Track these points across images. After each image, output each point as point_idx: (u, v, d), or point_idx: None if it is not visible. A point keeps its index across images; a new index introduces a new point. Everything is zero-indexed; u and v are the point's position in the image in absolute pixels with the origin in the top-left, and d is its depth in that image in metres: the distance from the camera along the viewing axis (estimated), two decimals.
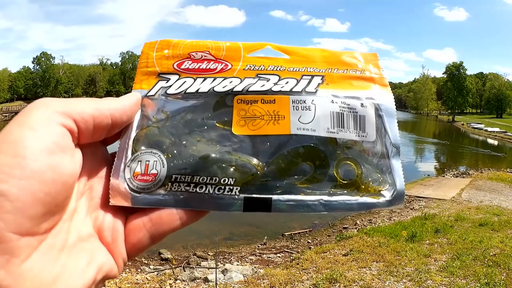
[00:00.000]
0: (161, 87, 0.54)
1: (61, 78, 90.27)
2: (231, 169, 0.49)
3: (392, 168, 0.53)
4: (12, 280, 0.34)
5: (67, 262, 0.40)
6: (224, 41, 0.58)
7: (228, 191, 0.49)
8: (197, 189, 0.48)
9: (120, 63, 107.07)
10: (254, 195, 0.49)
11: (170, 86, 0.54)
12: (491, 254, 6.43)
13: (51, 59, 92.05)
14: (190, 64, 0.56)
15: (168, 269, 6.89)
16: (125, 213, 0.48)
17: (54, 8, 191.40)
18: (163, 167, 0.48)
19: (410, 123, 72.40)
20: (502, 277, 5.49)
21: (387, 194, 0.51)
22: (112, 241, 0.45)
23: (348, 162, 0.51)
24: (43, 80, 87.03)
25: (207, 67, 0.56)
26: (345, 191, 0.51)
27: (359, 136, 0.53)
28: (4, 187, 0.35)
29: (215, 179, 0.48)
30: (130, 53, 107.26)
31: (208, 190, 0.48)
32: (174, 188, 0.48)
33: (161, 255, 7.74)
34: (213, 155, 0.49)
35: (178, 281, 6.18)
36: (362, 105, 0.54)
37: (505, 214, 9.79)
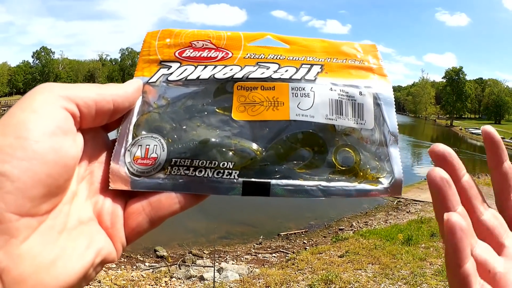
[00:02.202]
0: (163, 74, 0.54)
1: (60, 73, 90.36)
2: (230, 153, 0.50)
3: (390, 156, 0.53)
4: (11, 261, 0.35)
5: (66, 245, 0.40)
6: (225, 30, 0.59)
7: (227, 175, 0.49)
8: (197, 173, 0.49)
9: (119, 60, 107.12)
10: (253, 179, 0.49)
11: (171, 73, 0.54)
12: None
13: (51, 54, 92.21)
14: (191, 52, 0.57)
15: (164, 266, 6.90)
16: (125, 198, 0.48)
17: (57, 3, 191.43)
18: (163, 151, 0.49)
19: (408, 127, 72.41)
20: None
21: (385, 182, 0.52)
22: (111, 225, 0.46)
23: (346, 149, 0.52)
24: (43, 75, 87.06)
25: (208, 55, 0.56)
26: (343, 177, 0.51)
27: (357, 123, 0.53)
28: (5, 168, 0.35)
29: (214, 163, 0.49)
30: (129, 49, 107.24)
31: (207, 174, 0.49)
32: (174, 172, 0.49)
33: (157, 252, 7.75)
34: (213, 139, 0.50)
35: (173, 279, 6.17)
36: (360, 93, 0.55)
37: None
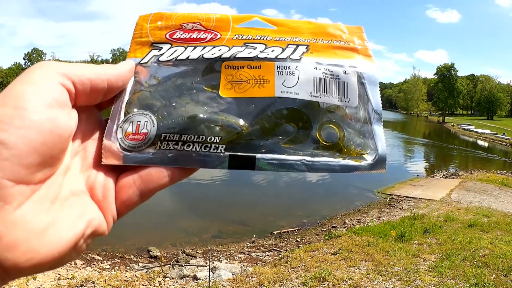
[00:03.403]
0: (154, 55, 0.57)
1: None
2: (217, 128, 0.51)
3: (374, 133, 0.55)
4: (4, 227, 0.36)
5: (58, 213, 0.41)
6: (215, 13, 0.61)
7: (214, 149, 0.51)
8: (185, 147, 0.51)
9: (111, 60, 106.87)
10: (239, 153, 0.51)
11: (162, 54, 0.57)
12: (481, 254, 6.45)
13: (42, 56, 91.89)
14: (181, 34, 0.59)
15: (157, 266, 6.88)
16: (117, 172, 0.50)
17: (46, 4, 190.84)
18: (153, 126, 0.51)
19: (400, 123, 72.69)
20: (492, 277, 5.51)
21: (369, 158, 0.54)
22: (103, 198, 0.47)
23: (330, 125, 0.54)
24: None
25: (198, 37, 0.59)
26: (327, 153, 0.53)
27: (341, 101, 0.55)
28: (3, 136, 0.36)
29: (202, 138, 0.51)
30: (121, 49, 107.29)
31: (195, 148, 0.51)
32: (163, 147, 0.50)
33: (150, 252, 7.73)
34: (201, 115, 0.52)
35: (167, 279, 6.16)
36: (344, 72, 0.57)
37: (494, 216, 9.86)
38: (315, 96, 0.54)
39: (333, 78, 0.56)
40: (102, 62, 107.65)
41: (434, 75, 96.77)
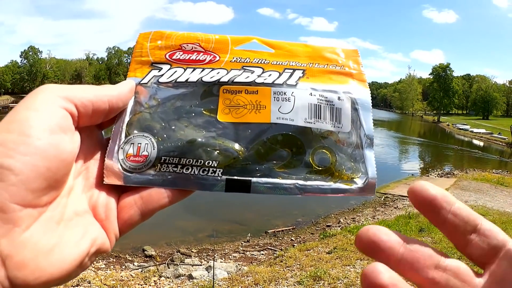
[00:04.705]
0: (154, 75, 0.58)
1: (47, 72, 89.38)
2: (215, 153, 0.53)
3: (365, 157, 0.56)
4: (13, 248, 0.38)
5: (64, 234, 0.43)
6: (214, 34, 0.62)
7: (211, 173, 0.53)
8: (184, 170, 0.52)
9: (106, 58, 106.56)
10: (235, 177, 0.53)
11: (162, 75, 0.58)
12: None
13: (38, 54, 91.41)
14: (181, 55, 0.60)
15: (152, 266, 6.87)
16: (118, 192, 0.51)
17: (45, 2, 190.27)
18: (154, 149, 0.52)
19: (395, 123, 72.60)
20: None
21: (359, 182, 0.55)
22: (106, 218, 0.49)
23: (323, 150, 0.55)
24: (30, 75, 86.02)
25: (197, 58, 0.60)
26: (319, 177, 0.54)
27: (334, 127, 0.56)
28: (10, 162, 0.38)
29: (200, 161, 0.52)
30: (116, 48, 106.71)
31: (194, 171, 0.52)
32: (163, 169, 0.52)
33: (145, 252, 7.72)
34: (199, 139, 0.53)
35: (162, 278, 6.15)
36: (339, 98, 0.58)
37: (490, 214, 9.89)
38: (309, 122, 0.56)
39: (327, 104, 0.57)
40: (98, 60, 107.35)
41: (429, 75, 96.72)
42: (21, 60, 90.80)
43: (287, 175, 0.54)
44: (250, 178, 0.53)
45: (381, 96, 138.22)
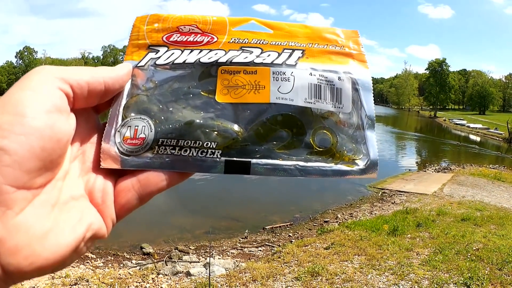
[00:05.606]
0: (151, 58, 0.57)
1: None
2: (214, 134, 0.52)
3: (366, 138, 0.56)
4: (6, 232, 0.37)
5: (59, 218, 0.42)
6: (211, 15, 0.61)
7: (210, 154, 0.52)
8: (182, 152, 0.52)
9: (101, 57, 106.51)
10: (234, 158, 0.52)
11: (159, 57, 0.57)
12: (474, 248, 6.49)
13: (33, 54, 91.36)
14: (178, 37, 0.59)
15: (150, 263, 6.87)
16: (115, 176, 0.51)
17: (39, 1, 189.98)
18: (151, 131, 0.52)
19: (391, 118, 72.91)
20: (486, 271, 5.53)
21: (360, 163, 0.55)
22: (102, 202, 0.48)
23: (324, 131, 0.55)
24: None
25: (194, 40, 0.59)
26: (320, 158, 0.54)
27: (335, 107, 0.56)
28: (4, 143, 0.37)
29: (199, 143, 0.52)
30: (111, 46, 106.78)
31: (192, 153, 0.52)
32: (161, 151, 0.51)
33: (143, 249, 7.73)
34: (197, 120, 0.52)
35: (160, 276, 6.16)
36: (339, 78, 0.57)
37: (487, 210, 9.95)
38: (309, 102, 0.55)
39: (327, 84, 0.56)
40: (93, 59, 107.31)
41: (425, 70, 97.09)
42: (17, 61, 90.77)
43: (287, 156, 0.53)
44: (249, 159, 0.52)
45: (378, 91, 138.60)
